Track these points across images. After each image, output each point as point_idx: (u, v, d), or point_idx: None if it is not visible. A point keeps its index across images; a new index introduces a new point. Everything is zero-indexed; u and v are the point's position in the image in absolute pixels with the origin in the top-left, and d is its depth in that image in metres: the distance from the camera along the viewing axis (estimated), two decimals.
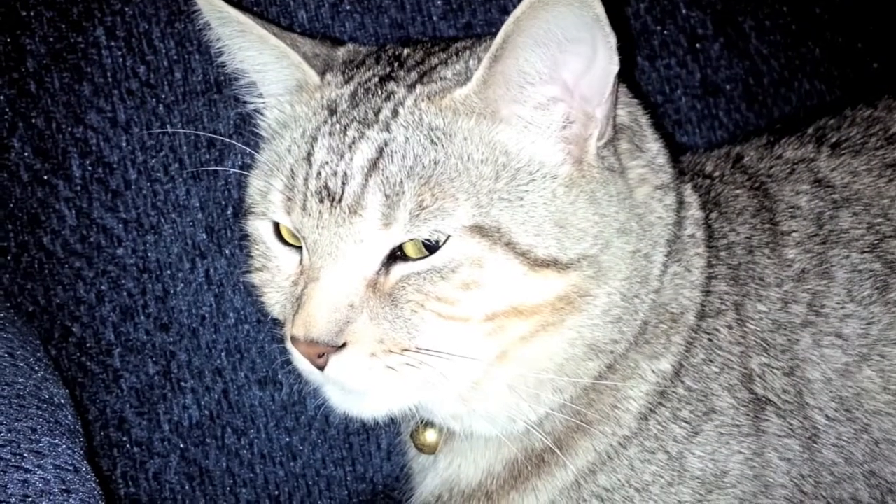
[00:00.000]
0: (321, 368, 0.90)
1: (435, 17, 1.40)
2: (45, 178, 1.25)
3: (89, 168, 1.26)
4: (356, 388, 0.91)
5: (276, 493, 1.33)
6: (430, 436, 1.05)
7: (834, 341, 1.00)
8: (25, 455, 0.87)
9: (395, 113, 0.91)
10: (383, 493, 1.36)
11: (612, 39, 0.87)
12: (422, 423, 1.04)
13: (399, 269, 0.89)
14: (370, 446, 1.36)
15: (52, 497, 0.83)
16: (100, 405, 1.27)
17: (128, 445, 1.28)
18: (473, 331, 0.89)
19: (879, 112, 1.12)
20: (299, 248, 0.95)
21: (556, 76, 0.89)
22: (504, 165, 0.90)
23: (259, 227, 0.98)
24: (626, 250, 0.93)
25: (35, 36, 1.25)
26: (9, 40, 1.25)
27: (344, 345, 0.88)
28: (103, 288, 1.27)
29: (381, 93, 0.94)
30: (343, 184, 0.89)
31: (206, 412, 1.30)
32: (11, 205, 1.25)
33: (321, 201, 0.90)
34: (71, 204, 1.26)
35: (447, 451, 1.05)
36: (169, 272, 1.28)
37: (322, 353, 0.88)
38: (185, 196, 1.28)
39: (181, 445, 1.29)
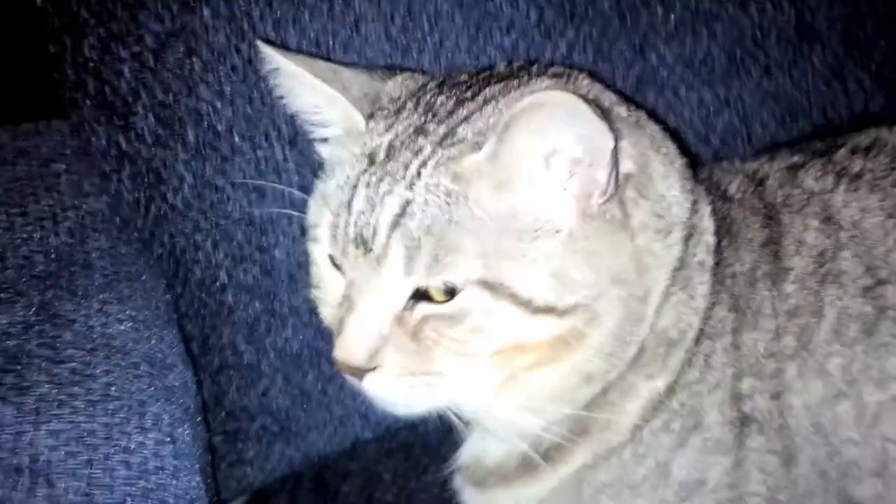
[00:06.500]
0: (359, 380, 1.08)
1: None
2: (166, 141, 1.44)
3: (202, 135, 1.44)
4: (387, 401, 1.09)
5: (363, 409, 1.56)
6: None
7: (817, 375, 1.08)
8: (131, 433, 1.11)
9: (418, 173, 1.03)
10: None
11: (604, 125, 0.97)
12: None
13: (421, 308, 1.04)
14: None
15: (145, 467, 1.07)
16: (218, 333, 1.51)
17: (240, 367, 1.53)
18: (482, 363, 1.04)
19: None
20: None
21: (556, 151, 1.00)
22: (510, 226, 1.01)
23: (314, 251, 1.15)
24: (620, 297, 1.05)
25: (151, 14, 1.41)
26: (129, 16, 1.41)
27: (375, 367, 1.06)
28: (217, 238, 1.47)
29: (413, 146, 1.06)
30: (373, 234, 1.03)
31: (305, 343, 1.52)
32: (140, 162, 1.45)
33: (357, 247, 1.05)
34: (188, 166, 1.45)
35: (479, 429, 1.22)
36: (270, 226, 1.47)
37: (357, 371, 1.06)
38: (283, 160, 1.45)
39: (284, 370, 1.53)
